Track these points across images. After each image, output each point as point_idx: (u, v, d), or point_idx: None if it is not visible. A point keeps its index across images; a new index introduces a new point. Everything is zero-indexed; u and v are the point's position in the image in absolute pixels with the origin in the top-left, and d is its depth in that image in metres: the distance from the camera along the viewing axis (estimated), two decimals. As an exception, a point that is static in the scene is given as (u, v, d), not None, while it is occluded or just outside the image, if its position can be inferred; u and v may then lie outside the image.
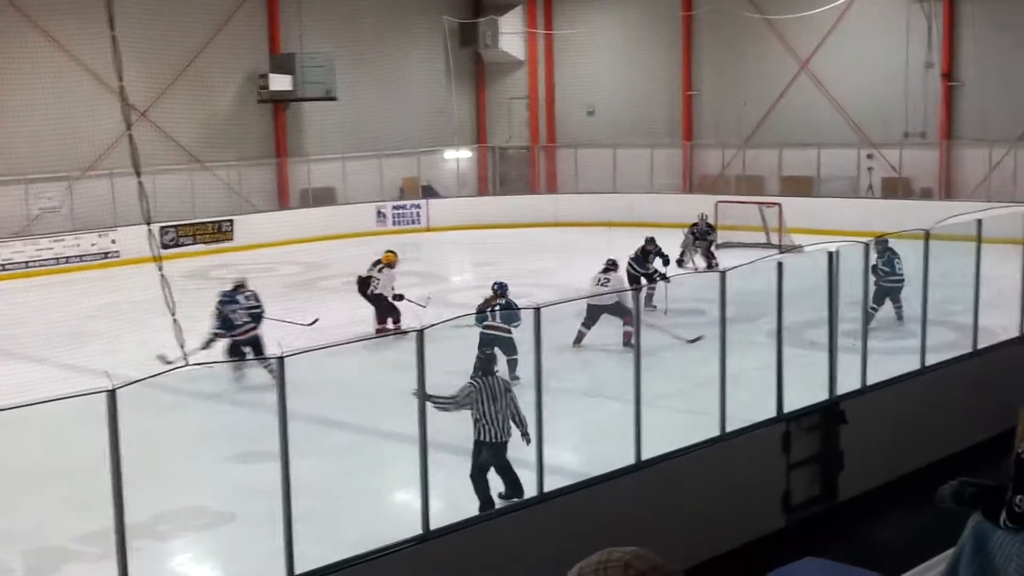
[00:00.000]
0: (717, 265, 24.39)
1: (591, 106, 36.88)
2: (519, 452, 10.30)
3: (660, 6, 34.98)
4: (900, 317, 17.69)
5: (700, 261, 25.34)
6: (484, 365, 10.74)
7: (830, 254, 11.28)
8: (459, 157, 37.37)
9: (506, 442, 10.51)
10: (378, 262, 18.43)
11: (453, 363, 10.86)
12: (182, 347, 11.98)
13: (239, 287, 16.22)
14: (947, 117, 30.21)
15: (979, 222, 12.82)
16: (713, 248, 25.85)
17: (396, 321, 17.98)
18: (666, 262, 20.83)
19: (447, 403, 10.20)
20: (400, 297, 18.23)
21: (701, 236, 26.01)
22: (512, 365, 14.49)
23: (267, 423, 8.05)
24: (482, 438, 10.50)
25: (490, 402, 10.42)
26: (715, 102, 34.65)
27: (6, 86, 27.96)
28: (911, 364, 12.59)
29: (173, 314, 12.77)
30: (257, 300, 16.14)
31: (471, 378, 10.57)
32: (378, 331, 17.58)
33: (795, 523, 10.68)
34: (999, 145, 29.10)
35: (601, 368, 16.39)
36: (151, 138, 29.03)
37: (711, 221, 26.75)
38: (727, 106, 34.29)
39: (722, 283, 10.69)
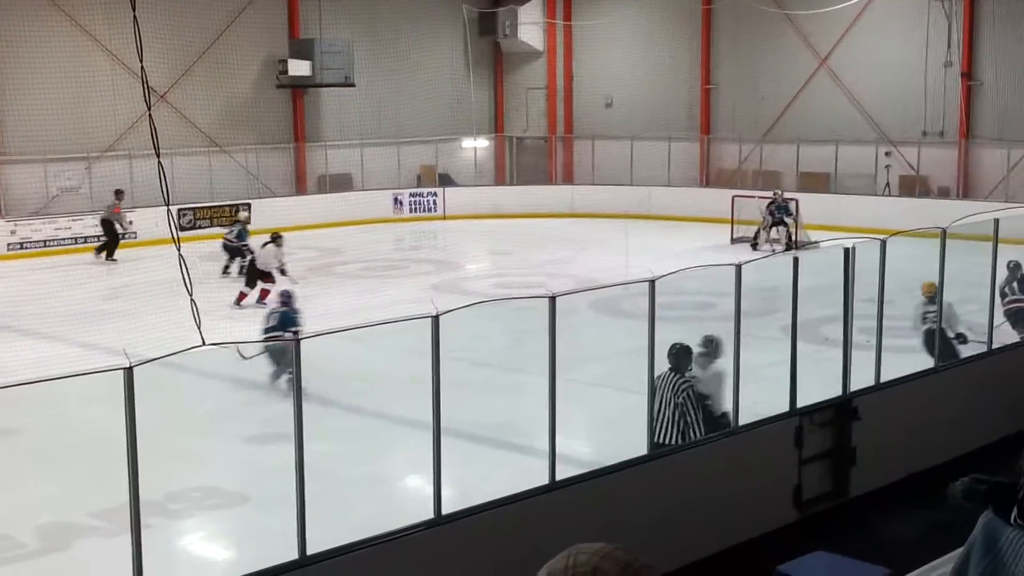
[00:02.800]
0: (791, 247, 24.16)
1: (609, 97, 36.83)
2: (532, 440, 10.31)
3: (680, -1, 34.96)
4: None
5: (777, 245, 25.28)
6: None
7: (846, 250, 11.26)
8: (476, 146, 37.37)
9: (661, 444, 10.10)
10: None
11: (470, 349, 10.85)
12: (199, 328, 12.04)
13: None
14: (966, 116, 30.08)
15: (996, 221, 12.80)
16: (792, 231, 25.59)
17: None
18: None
19: None
20: None
21: (778, 220, 25.89)
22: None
23: (281, 405, 8.09)
24: None
25: (660, 400, 10.20)
26: (733, 96, 34.57)
27: (26, 66, 28.08)
28: (926, 362, 12.59)
29: (191, 295, 12.83)
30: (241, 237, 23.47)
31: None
32: None
33: (806, 517, 10.71)
34: (1018, 145, 28.98)
35: (613, 359, 16.41)
36: (170, 121, 29.13)
37: (786, 198, 26.73)
38: (745, 100, 34.20)
39: (737, 277, 10.69)
